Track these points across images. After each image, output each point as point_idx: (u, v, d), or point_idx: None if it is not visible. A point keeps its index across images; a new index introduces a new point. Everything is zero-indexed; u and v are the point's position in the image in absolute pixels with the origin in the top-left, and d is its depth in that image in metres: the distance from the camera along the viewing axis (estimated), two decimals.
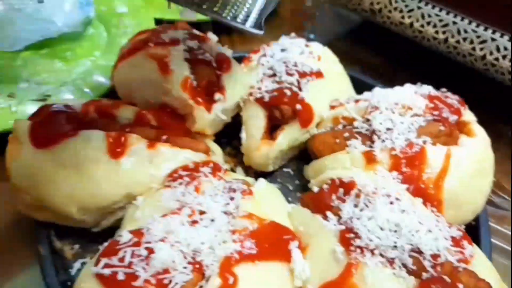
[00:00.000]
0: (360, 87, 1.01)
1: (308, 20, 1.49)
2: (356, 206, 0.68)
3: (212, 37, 0.94)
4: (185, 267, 0.58)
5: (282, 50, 0.97)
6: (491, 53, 1.01)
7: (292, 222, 0.73)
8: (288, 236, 0.68)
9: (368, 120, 0.82)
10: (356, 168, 0.77)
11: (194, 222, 0.64)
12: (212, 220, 0.65)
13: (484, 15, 1.01)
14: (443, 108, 0.82)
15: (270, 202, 0.75)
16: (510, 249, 0.85)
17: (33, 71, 1.09)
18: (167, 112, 0.84)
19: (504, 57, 0.99)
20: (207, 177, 0.74)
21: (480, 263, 0.63)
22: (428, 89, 0.87)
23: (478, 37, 1.02)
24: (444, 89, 0.89)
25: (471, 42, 1.03)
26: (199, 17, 1.22)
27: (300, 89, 0.88)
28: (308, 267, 0.65)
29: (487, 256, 0.70)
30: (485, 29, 1.01)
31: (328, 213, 0.69)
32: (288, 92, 0.86)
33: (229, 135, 0.94)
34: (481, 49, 1.02)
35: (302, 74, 0.90)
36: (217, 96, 0.84)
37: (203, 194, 0.70)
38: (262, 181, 0.79)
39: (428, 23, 1.08)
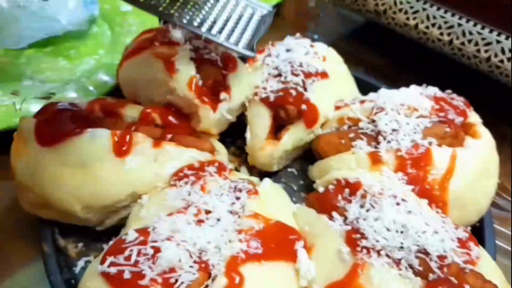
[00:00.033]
0: (364, 88, 1.01)
1: (312, 21, 1.50)
2: (362, 206, 0.68)
3: None
4: (191, 266, 0.58)
5: (287, 50, 0.97)
6: (495, 55, 1.01)
7: (297, 222, 0.73)
8: (293, 236, 0.68)
9: (373, 121, 0.82)
10: (362, 168, 0.77)
11: (200, 221, 0.64)
12: (218, 220, 0.65)
13: (490, 17, 1.02)
14: (449, 110, 0.82)
15: (275, 202, 0.75)
16: None
17: (37, 69, 1.09)
18: (172, 111, 0.84)
19: (508, 59, 1.00)
20: (213, 176, 0.74)
21: (486, 265, 0.63)
22: (433, 90, 0.87)
23: (483, 39, 1.02)
24: (449, 91, 0.89)
25: (476, 44, 1.03)
26: None
27: (305, 89, 0.88)
28: (313, 267, 0.65)
29: (491, 258, 0.70)
30: (490, 31, 1.01)
31: (334, 214, 0.69)
32: (293, 92, 0.86)
33: (233, 135, 0.94)
34: (486, 51, 1.02)
35: (308, 75, 0.90)
36: (223, 95, 0.84)
37: (209, 193, 0.70)
38: (267, 181, 0.79)
39: (433, 25, 1.08)
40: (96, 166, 0.72)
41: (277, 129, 0.89)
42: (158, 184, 0.74)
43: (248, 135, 0.89)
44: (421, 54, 1.21)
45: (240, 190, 0.70)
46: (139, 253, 0.59)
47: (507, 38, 0.99)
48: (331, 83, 0.93)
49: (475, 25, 1.03)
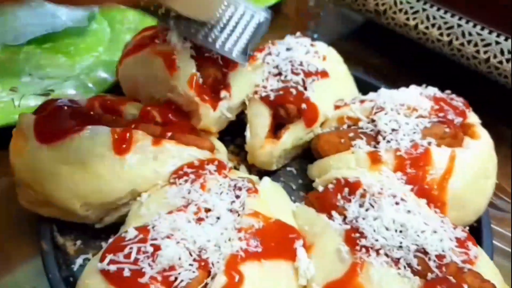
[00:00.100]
0: (363, 87, 1.01)
1: (312, 20, 1.49)
2: (361, 206, 0.68)
3: None
4: (191, 264, 0.58)
5: (288, 49, 0.97)
6: (495, 56, 1.01)
7: (297, 221, 0.73)
8: (293, 235, 0.68)
9: (373, 120, 0.82)
10: (361, 168, 0.77)
11: (200, 219, 0.64)
12: (218, 218, 0.65)
13: (489, 18, 1.02)
14: (448, 110, 0.82)
15: (275, 201, 0.75)
16: (510, 250, 0.86)
17: (36, 65, 1.09)
18: (172, 109, 0.84)
19: (508, 60, 1.00)
20: (213, 174, 0.74)
21: (484, 265, 0.64)
22: (433, 90, 0.88)
23: (482, 40, 1.02)
24: (448, 91, 0.90)
25: (475, 45, 1.03)
26: None
27: (305, 88, 0.89)
28: (312, 266, 0.65)
29: (489, 258, 0.70)
30: (490, 32, 1.01)
31: (333, 213, 0.70)
32: (293, 91, 0.86)
33: (233, 133, 0.94)
34: (485, 52, 1.02)
35: (308, 74, 0.90)
36: (223, 94, 0.84)
37: (208, 191, 0.70)
38: (267, 179, 0.79)
39: (433, 25, 1.08)
40: (95, 164, 0.72)
41: (276, 128, 0.89)
42: (158, 182, 0.74)
43: (247, 133, 0.88)
44: (420, 54, 1.21)
45: (240, 189, 0.71)
46: (138, 251, 0.59)
47: (506, 39, 1.00)
48: (331, 83, 0.93)
49: (474, 26, 1.03)
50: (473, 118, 0.85)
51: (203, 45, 0.79)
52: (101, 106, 0.82)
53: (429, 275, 0.60)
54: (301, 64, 0.91)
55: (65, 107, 0.78)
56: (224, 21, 0.81)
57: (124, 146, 0.73)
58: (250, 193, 0.70)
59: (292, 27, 1.14)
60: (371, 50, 1.33)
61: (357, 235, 0.64)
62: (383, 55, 1.31)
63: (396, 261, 0.61)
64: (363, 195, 0.69)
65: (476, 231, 0.80)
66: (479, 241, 0.77)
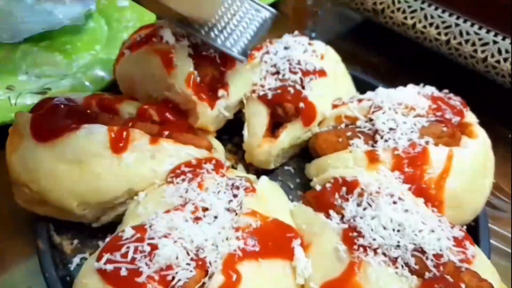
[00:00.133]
0: (361, 86, 1.01)
1: (310, 19, 1.49)
2: (359, 205, 0.68)
3: None
4: (188, 264, 0.58)
5: (285, 48, 0.97)
6: (492, 56, 1.01)
7: (294, 220, 0.73)
8: (290, 234, 0.68)
9: (371, 119, 0.82)
10: (359, 167, 0.77)
11: (198, 218, 0.64)
12: (216, 217, 0.65)
13: (487, 17, 1.02)
14: (446, 109, 0.82)
15: (273, 200, 0.75)
16: (508, 250, 0.86)
17: (33, 63, 1.08)
18: (170, 108, 0.84)
19: (505, 60, 1.00)
20: (210, 173, 0.74)
21: (482, 264, 0.64)
22: (431, 90, 0.88)
23: (480, 39, 1.02)
24: (446, 90, 0.90)
25: (473, 44, 1.03)
26: None
27: (303, 87, 0.88)
28: (310, 265, 0.65)
29: (486, 257, 0.70)
30: (487, 32, 1.01)
31: (331, 212, 0.70)
32: (291, 90, 0.86)
33: (230, 132, 0.94)
34: (483, 51, 1.02)
35: (306, 73, 0.90)
36: (221, 92, 0.83)
37: (206, 190, 0.69)
38: (264, 178, 0.79)
39: (431, 24, 1.09)
40: (92, 162, 0.71)
41: (274, 126, 0.89)
42: (155, 181, 0.74)
43: (245, 132, 0.88)
44: (418, 53, 1.21)
45: (237, 188, 0.70)
46: (136, 250, 0.58)
47: (504, 39, 1.00)
48: (329, 81, 0.93)
49: (472, 25, 1.03)
50: (470, 117, 0.86)
51: (204, 41, 0.78)
52: (98, 104, 0.82)
53: (427, 274, 0.60)
54: (299, 63, 0.91)
55: (62, 106, 0.77)
56: (227, 18, 0.80)
57: (121, 144, 0.73)
58: (248, 192, 0.70)
59: (290, 26, 1.14)
60: (369, 49, 1.33)
61: (355, 234, 0.64)
62: (381, 54, 1.31)
63: (394, 260, 0.61)
64: (360, 194, 0.69)
65: (474, 230, 0.80)
66: (476, 240, 0.77)
